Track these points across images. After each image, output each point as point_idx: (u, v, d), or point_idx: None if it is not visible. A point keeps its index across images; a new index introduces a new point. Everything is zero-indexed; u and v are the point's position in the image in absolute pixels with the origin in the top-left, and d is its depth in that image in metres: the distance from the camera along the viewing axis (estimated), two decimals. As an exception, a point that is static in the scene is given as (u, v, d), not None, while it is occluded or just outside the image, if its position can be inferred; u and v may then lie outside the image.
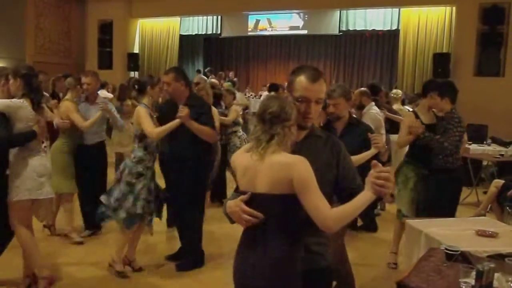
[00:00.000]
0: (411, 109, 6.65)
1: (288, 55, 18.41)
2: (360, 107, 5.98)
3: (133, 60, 15.98)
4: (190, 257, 4.70)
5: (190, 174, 4.49)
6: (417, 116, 4.67)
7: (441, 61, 11.86)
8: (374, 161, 1.95)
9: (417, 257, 3.30)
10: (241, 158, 2.20)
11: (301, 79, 2.22)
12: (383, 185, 1.88)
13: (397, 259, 4.85)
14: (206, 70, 16.11)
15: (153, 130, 4.26)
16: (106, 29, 16.12)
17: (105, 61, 16.02)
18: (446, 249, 2.81)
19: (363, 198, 1.93)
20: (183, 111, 4.23)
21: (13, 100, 3.82)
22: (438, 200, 4.48)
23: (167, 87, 4.43)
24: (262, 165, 2.08)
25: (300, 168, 2.01)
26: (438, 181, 4.50)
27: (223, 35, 17.26)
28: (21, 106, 3.80)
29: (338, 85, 3.96)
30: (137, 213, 4.32)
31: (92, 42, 16.33)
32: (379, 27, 15.01)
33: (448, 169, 4.53)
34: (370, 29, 15.28)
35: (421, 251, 3.31)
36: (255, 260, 2.11)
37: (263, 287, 2.09)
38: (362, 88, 6.27)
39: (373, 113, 5.82)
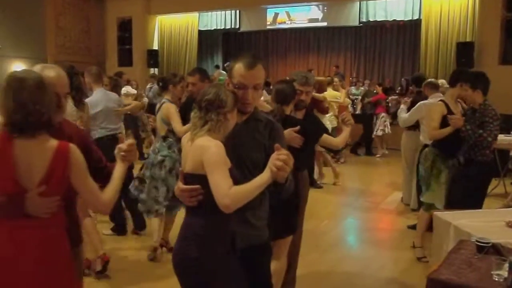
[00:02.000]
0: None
1: (308, 48, 18.24)
2: (423, 98, 5.75)
3: (152, 57, 16.02)
4: None
5: None
6: (447, 106, 4.52)
7: (465, 50, 11.59)
8: (277, 145, 2.02)
9: (445, 249, 3.23)
10: (185, 141, 2.34)
11: (239, 66, 2.31)
12: (281, 168, 1.96)
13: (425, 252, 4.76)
14: (225, 65, 16.07)
15: (181, 128, 4.29)
16: (125, 26, 16.21)
17: (125, 59, 16.11)
18: (477, 241, 2.73)
19: (260, 179, 2.02)
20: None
21: None
22: (471, 193, 4.34)
23: (192, 87, 4.50)
24: (191, 148, 2.24)
25: (210, 152, 2.13)
26: (472, 174, 4.38)
27: (241, 29, 17.17)
28: None
29: (307, 73, 3.84)
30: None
31: (112, 40, 16.43)
32: (400, 17, 14.75)
33: (483, 162, 4.39)
34: (391, 19, 15.02)
35: (450, 244, 3.23)
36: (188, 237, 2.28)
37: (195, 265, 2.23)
38: (429, 79, 6.06)
39: (424, 102, 5.57)
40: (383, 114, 11.22)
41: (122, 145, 2.31)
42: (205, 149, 2.14)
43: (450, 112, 4.48)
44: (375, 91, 11.84)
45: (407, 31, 16.23)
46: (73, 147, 2.12)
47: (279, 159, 1.96)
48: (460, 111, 4.60)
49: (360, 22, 15.49)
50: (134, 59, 16.10)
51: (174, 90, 4.59)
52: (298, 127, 3.27)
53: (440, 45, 12.66)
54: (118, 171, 2.30)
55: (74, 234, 2.37)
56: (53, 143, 2.09)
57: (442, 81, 7.50)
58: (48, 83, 2.12)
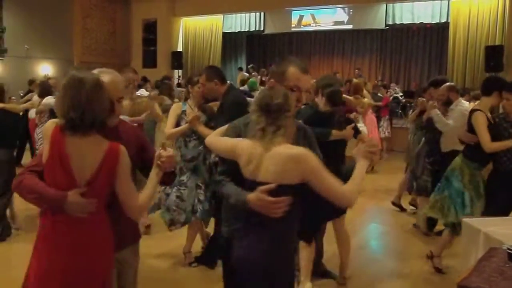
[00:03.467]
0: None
1: (333, 51, 18.13)
2: (447, 102, 5.57)
3: (177, 59, 16.10)
4: None
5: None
6: (486, 117, 4.24)
7: (494, 54, 11.32)
8: (360, 135, 2.41)
9: (475, 257, 3.09)
10: (245, 146, 2.22)
11: (295, 70, 2.40)
12: (374, 152, 2.24)
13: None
14: (249, 67, 16.06)
15: (167, 130, 4.40)
16: (150, 28, 16.33)
17: (150, 60, 16.23)
18: (509, 248, 2.59)
19: (361, 167, 2.23)
20: (189, 115, 4.21)
21: None
22: (502, 201, 4.16)
23: (203, 88, 4.39)
24: (267, 155, 2.14)
25: (312, 158, 2.13)
26: (503, 183, 4.18)
27: (266, 31, 17.17)
28: None
29: (336, 77, 4.02)
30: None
31: (137, 42, 16.57)
32: (427, 20, 14.56)
33: (509, 170, 4.17)
34: (418, 22, 14.84)
35: (480, 251, 3.09)
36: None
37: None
38: (450, 83, 5.83)
39: (461, 109, 5.33)
40: (387, 117, 11.05)
41: (163, 152, 2.29)
42: (301, 158, 2.12)
43: (489, 121, 4.23)
44: (379, 94, 11.52)
45: (434, 34, 16.00)
46: (122, 148, 2.19)
47: (372, 145, 2.27)
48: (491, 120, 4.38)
49: (386, 25, 15.33)
50: (159, 60, 16.20)
51: (192, 91, 4.52)
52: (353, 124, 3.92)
53: (468, 49, 12.41)
54: (153, 178, 2.31)
55: (129, 231, 2.50)
56: (105, 143, 2.17)
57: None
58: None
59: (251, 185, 2.18)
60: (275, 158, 2.13)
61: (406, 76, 16.87)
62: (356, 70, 15.63)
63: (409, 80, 16.59)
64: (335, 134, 3.97)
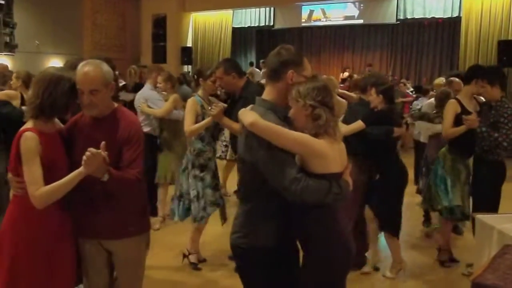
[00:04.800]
0: None
1: (343, 46, 17.97)
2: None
3: (186, 54, 16.07)
4: None
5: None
6: (460, 104, 4.36)
7: (507, 48, 11.16)
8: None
9: (488, 254, 3.06)
10: (324, 143, 2.19)
11: (306, 60, 2.39)
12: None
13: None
14: (260, 62, 15.99)
15: (188, 127, 4.21)
16: (160, 23, 16.29)
17: (159, 56, 16.19)
18: (524, 245, 2.54)
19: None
20: (215, 108, 4.02)
21: None
22: (484, 192, 4.23)
23: (220, 81, 4.33)
24: (339, 147, 2.29)
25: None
26: (482, 174, 4.27)
27: (276, 27, 17.06)
28: None
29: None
30: (218, 203, 4.41)
31: (147, 37, 16.55)
32: (438, 14, 14.36)
33: (494, 161, 4.22)
34: (429, 16, 14.64)
35: (493, 248, 3.05)
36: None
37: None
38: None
39: None
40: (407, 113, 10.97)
41: (91, 150, 2.23)
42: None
43: (464, 110, 4.33)
44: (400, 90, 11.40)
45: (446, 29, 15.81)
46: (26, 134, 2.29)
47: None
48: (475, 108, 4.40)
49: (397, 20, 15.17)
50: (168, 56, 16.17)
51: (204, 84, 4.45)
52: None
53: (481, 44, 12.24)
54: (71, 174, 2.37)
55: (129, 222, 2.57)
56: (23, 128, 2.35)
57: (442, 79, 7.18)
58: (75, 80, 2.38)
59: (336, 177, 2.23)
60: (342, 149, 2.31)
61: (417, 72, 16.70)
62: (368, 67, 15.50)
63: (420, 75, 16.41)
64: (396, 131, 4.03)
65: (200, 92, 4.48)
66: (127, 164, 2.43)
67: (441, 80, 7.08)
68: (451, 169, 4.47)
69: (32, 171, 2.25)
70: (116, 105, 2.61)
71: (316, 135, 2.19)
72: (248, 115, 2.20)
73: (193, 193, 4.30)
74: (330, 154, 2.19)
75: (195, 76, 4.69)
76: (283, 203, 2.20)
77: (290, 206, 2.22)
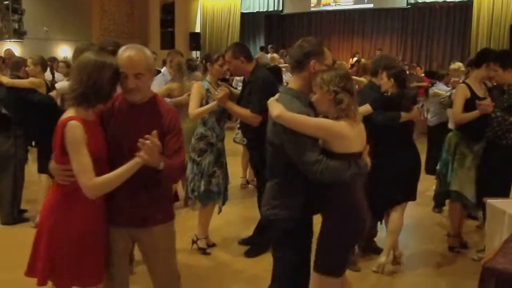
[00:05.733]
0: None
1: (352, 30, 17.82)
2: None
3: (195, 40, 16.01)
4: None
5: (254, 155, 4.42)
6: (470, 89, 4.25)
7: (520, 32, 11.01)
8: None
9: (500, 238, 3.02)
10: (344, 124, 2.43)
11: (326, 49, 2.64)
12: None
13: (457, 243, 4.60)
14: (269, 47, 15.88)
15: (192, 111, 4.15)
16: (168, 9, 16.23)
17: (168, 41, 16.14)
18: (536, 229, 2.49)
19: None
20: (220, 92, 3.98)
21: None
22: (496, 178, 4.13)
23: (228, 66, 4.28)
24: (359, 127, 2.50)
25: None
26: (497, 158, 4.15)
27: (285, 11, 16.88)
28: None
29: None
30: (212, 190, 4.29)
31: (155, 23, 16.49)
32: (450, -2, 14.16)
33: (508, 146, 4.11)
34: (441, 0, 14.44)
35: (505, 233, 3.01)
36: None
37: None
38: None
39: None
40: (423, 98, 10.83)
41: (150, 137, 2.22)
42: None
43: (473, 94, 4.22)
44: (417, 74, 11.24)
45: (457, 13, 15.60)
46: (71, 123, 2.20)
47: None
48: (484, 93, 4.28)
49: (408, 4, 14.92)
50: (177, 42, 16.10)
51: (212, 69, 4.40)
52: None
53: (493, 28, 12.09)
54: (127, 164, 2.28)
55: (155, 210, 2.51)
56: (64, 117, 2.25)
57: (459, 64, 7.02)
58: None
59: (356, 156, 2.47)
60: (362, 130, 2.53)
61: (428, 56, 16.50)
62: (378, 51, 15.33)
63: (431, 60, 16.22)
64: (404, 116, 3.88)
65: (208, 76, 4.45)
66: (172, 153, 2.40)
67: (458, 65, 6.93)
68: (456, 154, 4.39)
69: (81, 160, 2.19)
70: (153, 92, 2.56)
71: (337, 118, 2.44)
72: (274, 107, 2.47)
73: (190, 176, 4.30)
74: (350, 135, 2.43)
75: (203, 61, 4.65)
76: (307, 179, 2.47)
77: (313, 182, 2.47)
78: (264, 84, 4.05)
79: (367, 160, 2.54)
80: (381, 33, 17.30)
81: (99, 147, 2.29)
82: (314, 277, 2.61)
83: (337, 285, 2.65)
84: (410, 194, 4.04)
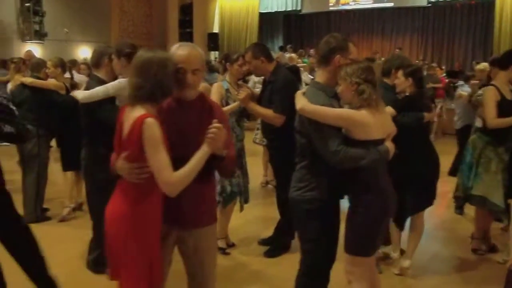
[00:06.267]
0: None
1: (372, 30, 17.68)
2: None
3: (213, 40, 16.01)
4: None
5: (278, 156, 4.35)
6: (499, 91, 4.08)
7: (544, 30, 10.77)
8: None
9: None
10: (365, 113, 2.59)
11: (351, 44, 2.81)
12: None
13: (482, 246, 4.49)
14: (288, 47, 15.85)
15: None
16: (186, 10, 16.26)
17: (186, 42, 16.12)
18: None
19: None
20: (242, 93, 3.96)
21: (120, 79, 3.70)
22: None
23: (248, 66, 4.27)
24: (384, 116, 2.72)
25: None
26: None
27: (303, 11, 16.81)
28: None
29: None
30: (232, 190, 4.28)
31: (173, 24, 16.53)
32: (472, -4, 13.95)
33: None
34: (462, -1, 14.24)
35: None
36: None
37: None
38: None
39: None
40: (442, 99, 10.66)
41: (215, 124, 2.25)
42: None
43: (503, 97, 4.07)
44: (436, 74, 11.06)
45: (479, 11, 15.38)
46: (148, 121, 2.17)
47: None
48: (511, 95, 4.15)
49: (428, 2, 14.77)
50: (195, 42, 15.96)
51: (231, 69, 4.37)
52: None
53: (517, 26, 11.83)
54: (197, 154, 2.29)
55: (200, 211, 2.51)
56: (138, 113, 2.21)
57: (484, 65, 6.84)
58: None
59: (378, 143, 2.64)
60: (386, 118, 2.74)
61: (449, 56, 16.28)
62: (397, 50, 15.16)
63: (452, 59, 16.00)
64: (427, 116, 3.78)
65: (227, 76, 4.43)
66: (225, 147, 2.41)
67: (483, 65, 6.77)
68: (481, 158, 4.24)
69: (161, 157, 2.18)
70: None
71: (360, 107, 2.59)
72: (298, 100, 2.66)
73: None
74: (371, 122, 2.59)
75: (223, 61, 4.62)
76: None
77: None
78: (286, 84, 4.03)
79: (390, 146, 2.68)
80: (401, 32, 17.14)
81: (164, 143, 2.27)
82: (346, 257, 2.77)
83: (370, 263, 2.83)
84: (433, 197, 3.93)
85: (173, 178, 2.17)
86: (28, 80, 5.09)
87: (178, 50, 2.37)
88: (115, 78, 3.81)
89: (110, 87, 3.61)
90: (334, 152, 2.55)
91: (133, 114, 2.21)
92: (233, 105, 4.13)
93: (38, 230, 4.98)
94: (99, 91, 3.58)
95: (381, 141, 2.65)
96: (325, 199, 2.71)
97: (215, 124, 2.21)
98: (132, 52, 3.67)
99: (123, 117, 2.28)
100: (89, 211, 4.02)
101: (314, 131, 2.63)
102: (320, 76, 2.81)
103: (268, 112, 4.03)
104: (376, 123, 2.61)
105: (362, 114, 2.58)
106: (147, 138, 2.16)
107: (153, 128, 2.16)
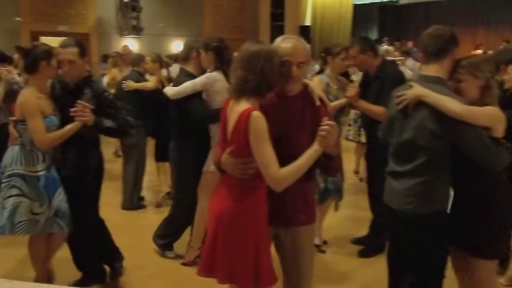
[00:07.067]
0: None
1: (476, 21, 16.81)
2: None
3: (305, 33, 15.70)
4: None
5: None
6: None
7: None
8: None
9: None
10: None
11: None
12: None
13: None
14: (384, 39, 15.32)
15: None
16: (278, 2, 16.09)
17: (277, 35, 15.09)
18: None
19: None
20: (351, 90, 3.95)
21: (207, 75, 3.83)
22: None
23: (354, 60, 4.26)
24: None
25: None
26: None
27: (401, 2, 16.25)
28: (217, 79, 3.79)
29: None
30: (328, 188, 4.21)
31: (265, 17, 16.42)
32: None
33: None
34: None
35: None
36: None
37: None
38: None
39: None
40: None
41: (328, 123, 2.19)
42: None
43: None
44: None
45: None
46: (254, 114, 2.16)
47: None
48: None
49: (542, -11, 13.56)
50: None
51: (333, 63, 4.28)
52: None
53: None
54: (307, 152, 2.25)
55: (299, 209, 2.48)
56: (243, 107, 2.20)
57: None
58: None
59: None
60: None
61: None
62: (504, 43, 14.02)
63: None
64: None
65: (327, 70, 4.34)
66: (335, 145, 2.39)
67: None
68: None
69: (267, 152, 2.17)
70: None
71: (485, 104, 2.44)
72: (449, 103, 2.39)
73: None
74: (503, 122, 2.47)
75: (323, 54, 4.53)
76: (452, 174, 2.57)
77: (461, 173, 2.55)
78: (397, 80, 3.89)
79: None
80: (508, 23, 15.99)
81: (270, 137, 2.25)
82: (479, 263, 2.61)
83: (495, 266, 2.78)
84: None
85: (279, 174, 2.16)
86: (134, 85, 5.41)
87: (283, 42, 2.35)
88: (203, 71, 3.95)
89: (198, 82, 3.76)
90: (496, 154, 2.40)
91: (238, 108, 2.21)
92: (340, 101, 4.08)
93: (133, 216, 5.52)
94: (187, 87, 3.76)
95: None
96: (444, 210, 2.61)
97: (327, 121, 2.15)
98: (219, 46, 3.87)
99: (227, 111, 2.30)
100: (172, 200, 4.28)
101: (472, 135, 2.40)
102: (436, 70, 2.59)
103: (379, 109, 3.86)
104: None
105: (499, 110, 2.45)
106: (253, 132, 2.15)
107: (260, 122, 2.15)
